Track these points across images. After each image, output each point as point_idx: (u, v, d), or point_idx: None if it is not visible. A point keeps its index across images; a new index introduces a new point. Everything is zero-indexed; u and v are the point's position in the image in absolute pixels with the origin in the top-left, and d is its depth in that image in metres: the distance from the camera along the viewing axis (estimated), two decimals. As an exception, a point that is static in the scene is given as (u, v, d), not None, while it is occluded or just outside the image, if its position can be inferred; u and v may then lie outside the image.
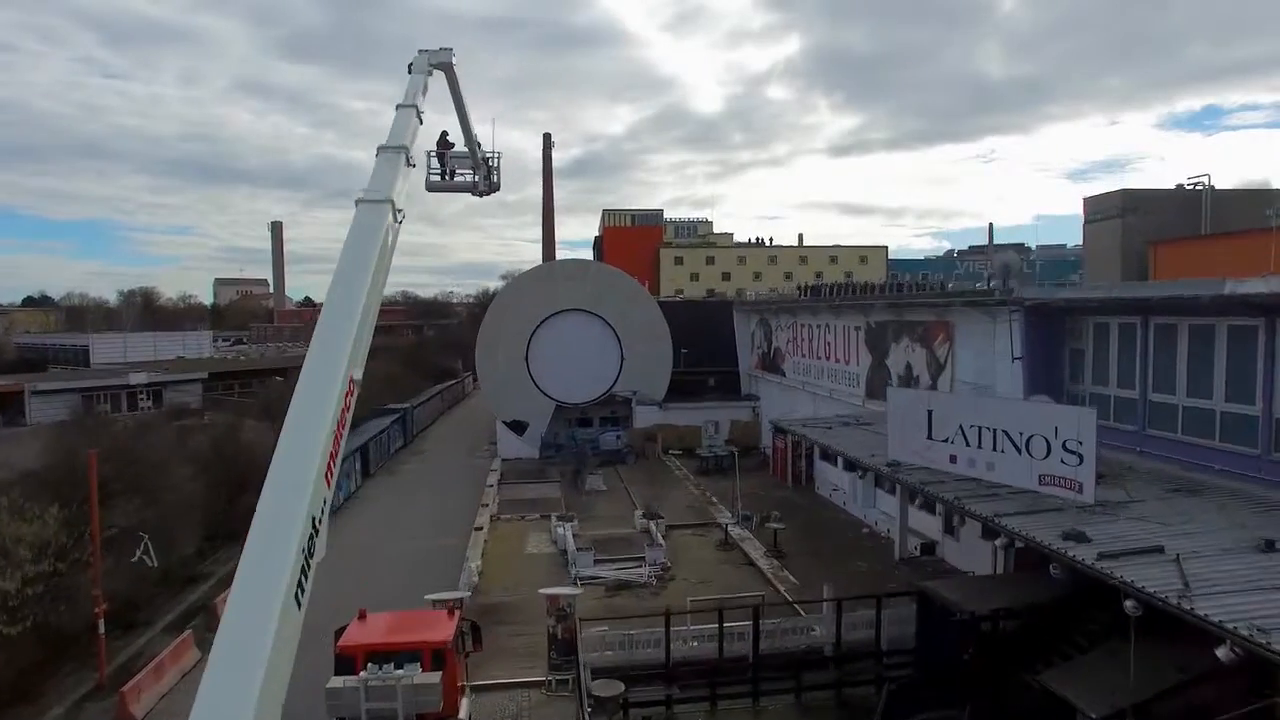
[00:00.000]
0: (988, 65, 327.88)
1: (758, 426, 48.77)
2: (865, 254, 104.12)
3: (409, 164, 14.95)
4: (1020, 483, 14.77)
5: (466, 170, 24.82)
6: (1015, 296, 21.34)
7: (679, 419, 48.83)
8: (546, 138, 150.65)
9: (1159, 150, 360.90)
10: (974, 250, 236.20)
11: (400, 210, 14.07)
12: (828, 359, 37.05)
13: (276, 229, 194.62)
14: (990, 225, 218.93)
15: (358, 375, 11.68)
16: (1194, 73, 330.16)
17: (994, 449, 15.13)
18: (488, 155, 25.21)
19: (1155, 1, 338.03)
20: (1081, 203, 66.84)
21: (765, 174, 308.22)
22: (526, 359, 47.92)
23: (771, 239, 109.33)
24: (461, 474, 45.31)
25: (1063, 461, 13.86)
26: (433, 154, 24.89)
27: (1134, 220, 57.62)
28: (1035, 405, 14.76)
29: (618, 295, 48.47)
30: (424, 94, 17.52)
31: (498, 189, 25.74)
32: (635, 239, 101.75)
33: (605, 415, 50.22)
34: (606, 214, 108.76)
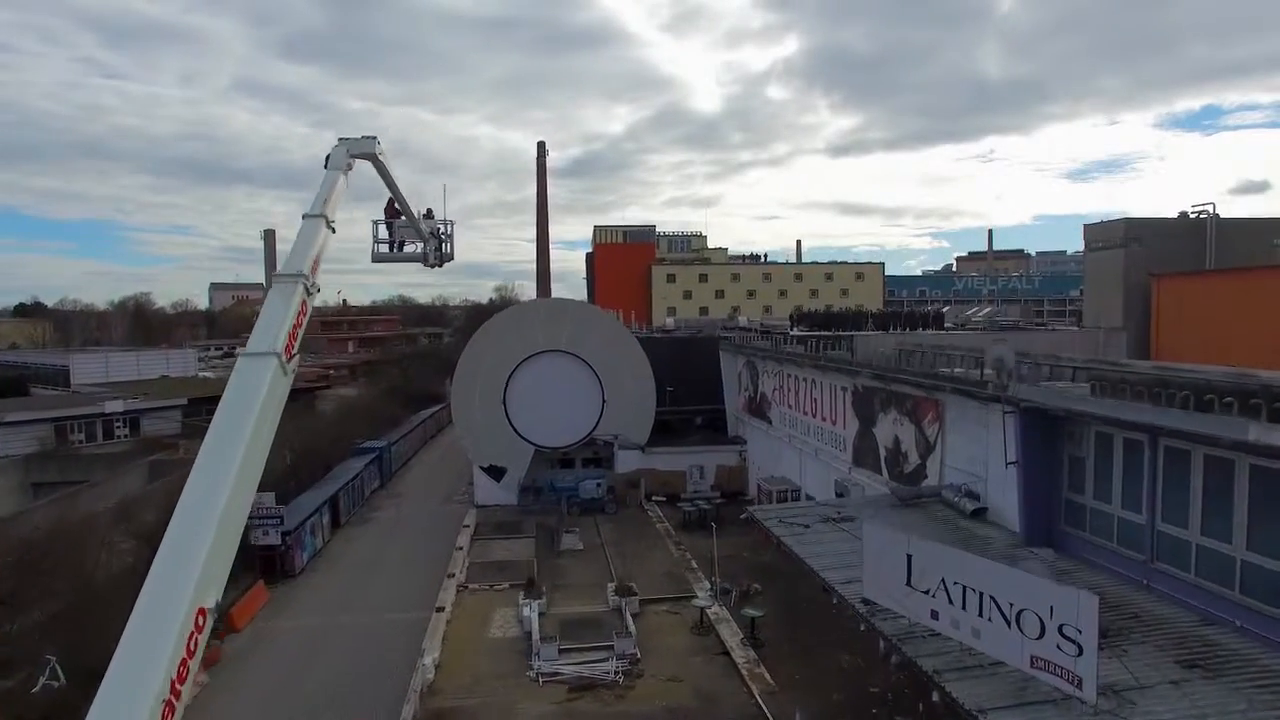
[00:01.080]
0: (986, 65, 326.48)
1: (745, 471, 46.86)
2: (861, 270, 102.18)
3: (311, 292, 13.06)
4: (1010, 659, 12.84)
5: (417, 240, 23.06)
6: (1010, 396, 19.41)
7: (662, 463, 46.89)
8: (540, 146, 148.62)
9: (1158, 150, 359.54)
10: (974, 256, 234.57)
11: (293, 357, 12.18)
12: (813, 416, 35.12)
13: (269, 237, 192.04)
14: (990, 232, 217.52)
15: (212, 601, 9.62)
16: (1193, 73, 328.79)
17: (980, 614, 13.20)
18: (439, 226, 23.38)
19: (1154, 1, 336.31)
20: (1082, 229, 64.99)
21: (764, 174, 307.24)
22: (504, 402, 46.00)
23: (766, 255, 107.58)
24: (435, 524, 43.43)
25: (1059, 647, 11.92)
26: (380, 223, 23.10)
27: (1136, 251, 55.72)
28: (1028, 578, 12.85)
29: (598, 335, 46.55)
30: (343, 187, 15.62)
31: (450, 259, 23.90)
32: (627, 256, 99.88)
33: (588, 456, 48.31)
34: (598, 230, 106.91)
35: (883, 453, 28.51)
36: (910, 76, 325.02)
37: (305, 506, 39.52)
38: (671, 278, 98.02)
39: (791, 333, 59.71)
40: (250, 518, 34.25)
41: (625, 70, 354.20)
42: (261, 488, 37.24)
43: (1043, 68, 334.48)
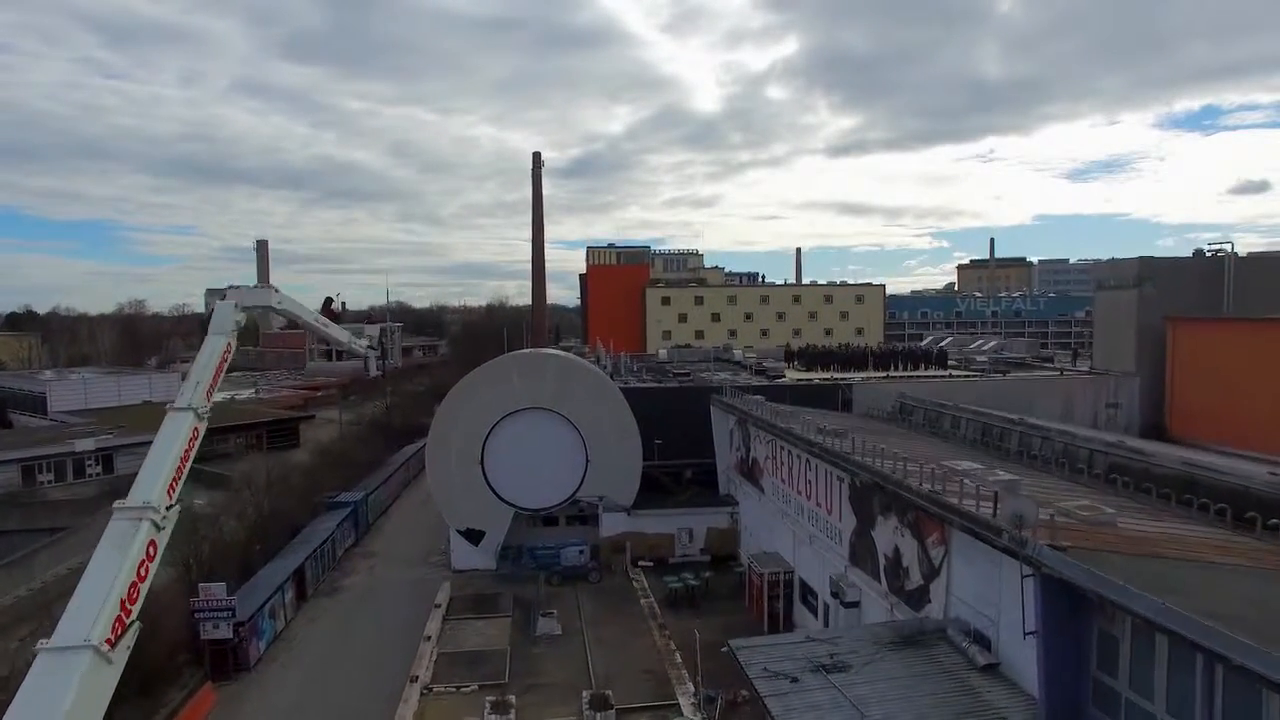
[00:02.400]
0: (986, 65, 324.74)
1: (736, 534, 44.24)
2: (861, 292, 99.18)
3: (162, 526, 10.47)
4: None
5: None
6: (1029, 556, 16.73)
7: (649, 526, 44.31)
8: (536, 157, 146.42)
9: (1158, 150, 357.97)
10: (976, 264, 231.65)
11: (129, 628, 9.59)
12: (808, 499, 32.46)
13: (261, 247, 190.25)
14: (992, 241, 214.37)
15: None
16: (1192, 72, 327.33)
17: None
18: (380, 329, 21.07)
19: (1153, 1, 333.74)
20: (1093, 268, 62.49)
21: (764, 174, 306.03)
22: (482, 463, 43.44)
23: (764, 276, 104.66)
24: (408, 596, 40.76)
25: None
26: (319, 323, 20.58)
27: (1150, 292, 53.04)
28: None
29: (581, 391, 43.94)
30: (230, 354, 13.06)
31: (393, 365, 21.47)
32: (621, 278, 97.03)
33: (572, 514, 45.73)
34: (591, 251, 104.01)
35: (882, 560, 25.88)
36: (910, 76, 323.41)
37: (265, 585, 36.99)
38: (666, 301, 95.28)
39: (785, 374, 57.25)
40: (199, 610, 31.92)
41: (625, 70, 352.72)
42: (214, 573, 34.20)
43: (1042, 68, 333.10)
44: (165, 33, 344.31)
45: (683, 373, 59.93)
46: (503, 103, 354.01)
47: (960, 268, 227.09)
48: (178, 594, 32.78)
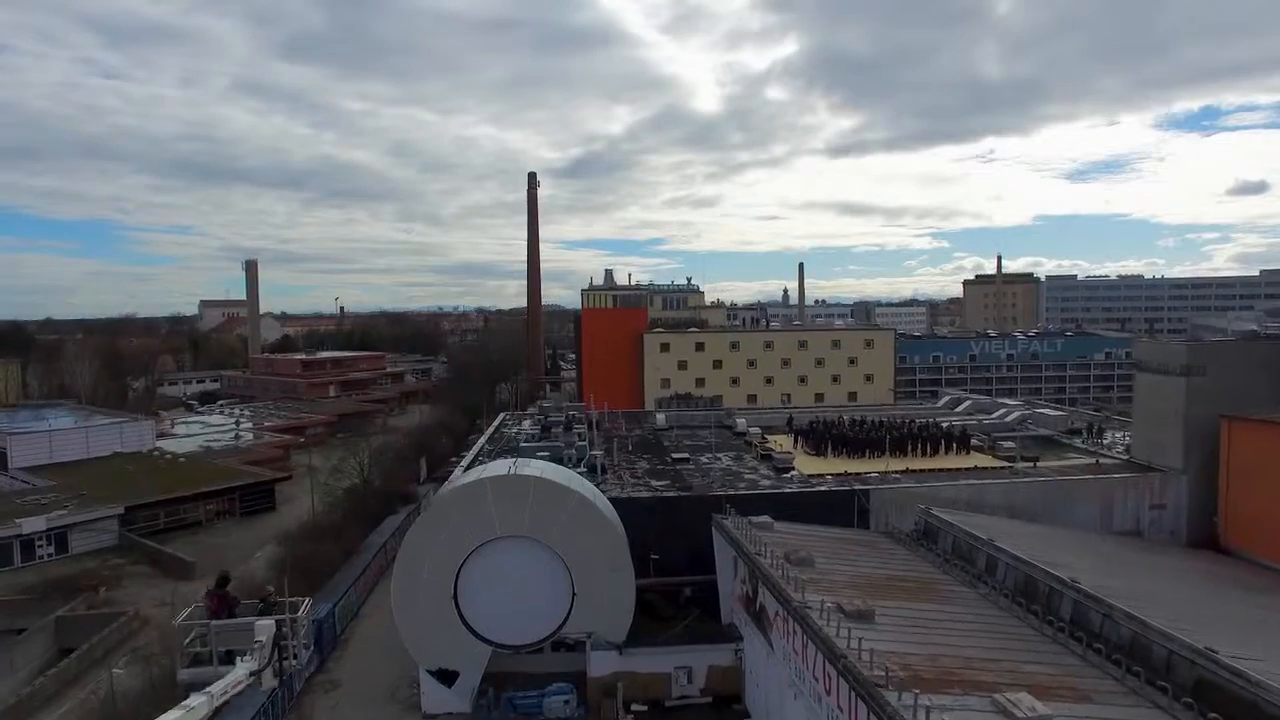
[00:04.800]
0: (985, 65, 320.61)
1: (740, 673, 39.29)
2: (871, 337, 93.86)
3: None
4: None
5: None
6: None
7: (643, 665, 39.33)
8: (531, 177, 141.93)
9: (1158, 151, 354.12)
10: (981, 279, 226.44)
11: None
12: (827, 693, 27.42)
13: (251, 268, 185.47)
14: (999, 258, 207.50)
15: None
16: (1192, 73, 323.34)
17: None
18: (259, 644, 16.14)
19: (1152, 2, 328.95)
20: (1135, 347, 57.47)
21: (764, 174, 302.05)
22: (455, 597, 38.57)
23: (767, 322, 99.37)
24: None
25: None
26: (197, 624, 15.72)
27: (1199, 381, 47.98)
28: None
29: (565, 517, 38.95)
30: None
31: (298, 668, 16.57)
32: (617, 322, 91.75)
33: (558, 639, 40.83)
34: (585, 294, 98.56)
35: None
36: (909, 77, 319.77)
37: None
38: (665, 347, 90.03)
39: (793, 465, 52.21)
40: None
41: (625, 71, 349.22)
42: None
43: (1041, 68, 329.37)
44: (165, 33, 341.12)
45: (681, 456, 54.95)
46: (502, 103, 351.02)
47: (966, 283, 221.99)
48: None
